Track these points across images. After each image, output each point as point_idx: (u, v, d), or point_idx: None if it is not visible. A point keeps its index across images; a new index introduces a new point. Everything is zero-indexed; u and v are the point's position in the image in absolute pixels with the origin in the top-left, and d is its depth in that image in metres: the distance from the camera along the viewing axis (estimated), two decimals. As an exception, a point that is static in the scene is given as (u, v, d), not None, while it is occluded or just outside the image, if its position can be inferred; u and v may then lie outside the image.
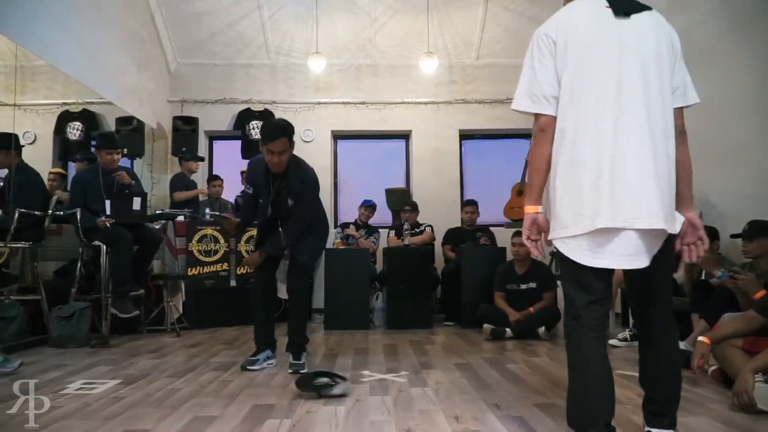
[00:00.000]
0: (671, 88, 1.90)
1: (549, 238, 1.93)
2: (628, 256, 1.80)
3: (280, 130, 3.44)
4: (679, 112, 1.93)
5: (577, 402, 1.89)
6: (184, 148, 7.16)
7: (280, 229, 3.64)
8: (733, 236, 3.81)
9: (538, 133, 1.92)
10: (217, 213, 6.14)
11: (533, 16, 7.35)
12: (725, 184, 4.47)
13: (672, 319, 1.97)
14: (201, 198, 6.96)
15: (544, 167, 1.91)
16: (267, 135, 3.42)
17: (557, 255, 1.94)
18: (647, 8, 1.92)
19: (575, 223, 1.82)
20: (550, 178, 1.92)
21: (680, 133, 1.92)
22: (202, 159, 7.00)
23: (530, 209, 1.96)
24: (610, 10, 1.87)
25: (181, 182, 6.57)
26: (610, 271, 1.85)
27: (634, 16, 1.88)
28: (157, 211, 5.85)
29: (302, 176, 3.64)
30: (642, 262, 1.81)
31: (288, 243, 3.66)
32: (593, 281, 1.85)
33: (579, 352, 1.89)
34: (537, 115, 1.91)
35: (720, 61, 4.57)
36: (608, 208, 1.76)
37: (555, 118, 1.88)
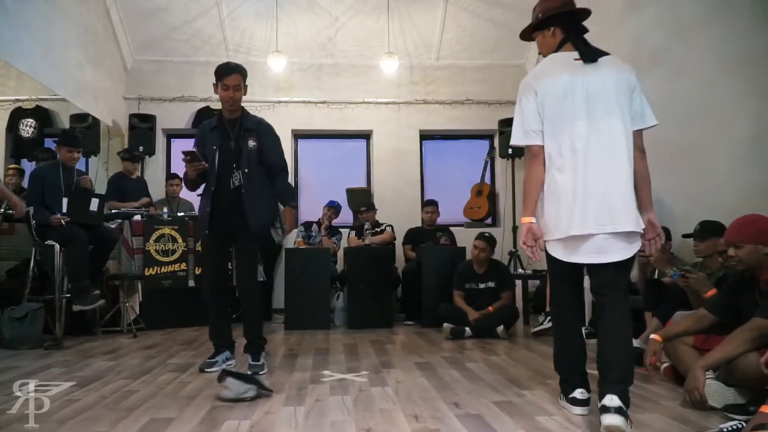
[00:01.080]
0: (630, 116, 2.39)
1: (546, 239, 2.42)
2: (593, 254, 2.34)
3: (235, 66, 3.56)
4: (638, 134, 2.42)
5: (561, 360, 2.61)
6: (141, 147, 7.00)
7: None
8: (685, 236, 3.92)
9: (531, 159, 2.45)
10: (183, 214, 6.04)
11: (492, 18, 7.46)
12: (677, 185, 4.59)
13: (625, 299, 2.44)
14: (159, 197, 6.82)
15: (538, 185, 2.42)
16: (222, 71, 3.51)
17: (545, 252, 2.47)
18: (607, 54, 2.45)
19: (556, 230, 2.37)
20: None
21: (640, 151, 2.42)
22: (137, 159, 6.62)
23: (526, 220, 2.43)
24: (577, 62, 2.42)
25: (116, 186, 6.13)
26: (581, 266, 2.44)
27: (599, 60, 2.41)
28: (113, 210, 5.69)
29: (256, 118, 3.74)
30: (606, 258, 2.33)
31: (288, 188, 3.72)
32: (569, 274, 2.49)
33: (558, 326, 2.65)
34: (529, 146, 2.45)
35: (668, 64, 4.70)
36: (577, 220, 2.31)
37: (543, 146, 2.42)
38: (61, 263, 4.62)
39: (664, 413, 2.45)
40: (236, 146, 3.56)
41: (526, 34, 2.69)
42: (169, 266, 5.64)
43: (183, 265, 5.67)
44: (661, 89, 4.79)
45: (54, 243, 4.61)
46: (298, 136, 7.93)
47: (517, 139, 2.48)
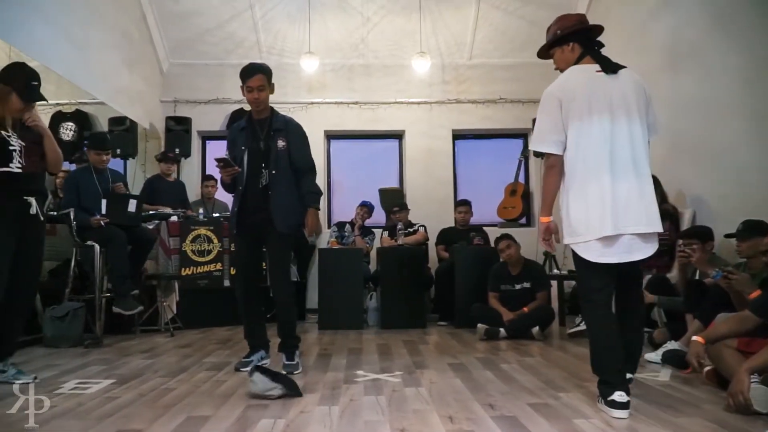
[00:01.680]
0: (647, 125, 2.63)
1: (565, 242, 2.64)
2: (623, 253, 2.52)
3: (257, 67, 3.60)
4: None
5: (597, 357, 2.59)
6: (177, 149, 7.12)
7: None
8: (727, 236, 3.81)
9: (549, 168, 2.65)
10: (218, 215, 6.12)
11: (524, 16, 7.38)
12: (716, 184, 4.49)
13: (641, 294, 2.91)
14: (194, 198, 6.94)
15: (555, 191, 2.65)
16: (245, 73, 3.55)
17: (573, 255, 2.65)
18: (624, 67, 2.66)
19: (587, 232, 2.52)
20: (561, 198, 2.63)
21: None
22: (175, 160, 6.69)
23: (545, 219, 2.69)
24: (599, 74, 2.60)
25: (149, 189, 6.17)
26: (613, 265, 2.55)
27: (619, 72, 2.61)
28: (150, 212, 5.80)
29: (285, 117, 3.75)
30: (635, 256, 2.54)
31: (314, 189, 3.67)
32: (602, 274, 2.56)
33: (594, 326, 2.63)
34: (548, 154, 2.63)
35: (706, 60, 4.59)
36: (609, 222, 2.47)
37: (561, 156, 2.60)
38: (101, 263, 4.73)
39: (705, 417, 2.39)
40: (265, 146, 3.59)
41: (543, 52, 2.90)
42: (205, 266, 5.73)
43: (218, 265, 5.75)
44: (698, 86, 4.69)
45: (94, 243, 4.72)
46: (330, 136, 7.97)
47: (538, 146, 2.67)
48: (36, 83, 3.29)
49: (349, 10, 7.33)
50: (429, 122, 7.78)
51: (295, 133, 3.70)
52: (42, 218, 3.34)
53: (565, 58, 2.77)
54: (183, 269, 5.62)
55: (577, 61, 2.71)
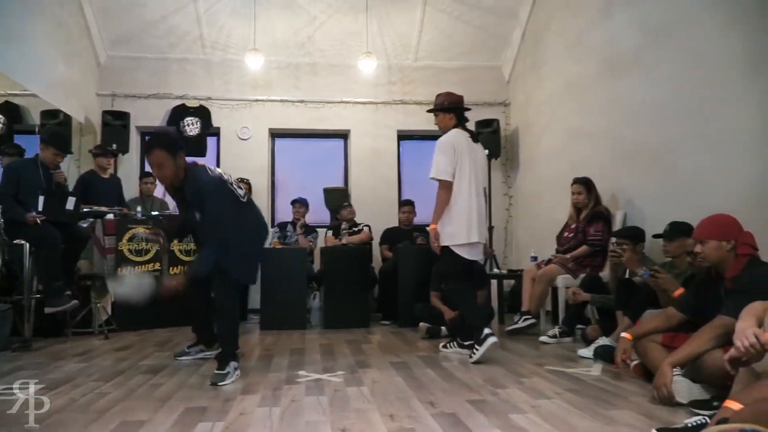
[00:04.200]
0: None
1: (449, 244, 3.93)
2: (478, 255, 4.08)
3: (153, 140, 3.36)
4: None
5: (472, 314, 3.92)
6: (114, 144, 6.90)
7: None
8: (655, 236, 3.99)
9: (445, 189, 3.94)
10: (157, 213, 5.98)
11: (469, 21, 7.52)
12: (649, 187, 4.68)
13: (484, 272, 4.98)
14: (133, 195, 6.75)
15: (446, 206, 3.94)
16: (145, 148, 3.45)
17: (447, 251, 3.97)
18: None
19: (466, 238, 3.92)
20: (446, 212, 3.96)
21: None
22: (113, 154, 6.40)
23: (435, 226, 3.98)
24: (469, 139, 4.08)
25: (81, 187, 5.89)
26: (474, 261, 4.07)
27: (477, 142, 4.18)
28: (85, 209, 5.60)
29: (195, 186, 3.38)
30: (481, 258, 4.20)
31: (203, 266, 3.39)
32: (467, 264, 3.99)
33: (466, 296, 3.99)
34: (444, 180, 3.93)
35: (642, 67, 4.78)
36: (475, 232, 3.95)
37: (452, 182, 3.93)
38: (31, 263, 4.54)
39: (633, 409, 2.51)
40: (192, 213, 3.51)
41: (432, 110, 4.23)
42: (143, 266, 5.57)
43: (157, 265, 5.61)
44: (635, 92, 4.88)
45: (24, 242, 4.52)
46: (275, 135, 7.90)
47: (439, 174, 3.93)
48: None
49: (296, 8, 7.29)
50: (374, 122, 7.82)
51: (206, 207, 3.39)
52: None
53: (446, 122, 4.14)
54: (119, 269, 5.46)
55: (454, 127, 4.09)
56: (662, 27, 4.50)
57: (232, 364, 3.33)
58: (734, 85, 3.73)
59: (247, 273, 3.68)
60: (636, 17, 4.89)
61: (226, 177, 3.61)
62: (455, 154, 3.93)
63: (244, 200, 3.69)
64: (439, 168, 3.92)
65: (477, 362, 3.65)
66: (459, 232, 3.91)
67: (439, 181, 3.93)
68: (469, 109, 4.26)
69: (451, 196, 3.92)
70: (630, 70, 4.96)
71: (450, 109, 4.14)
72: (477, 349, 3.69)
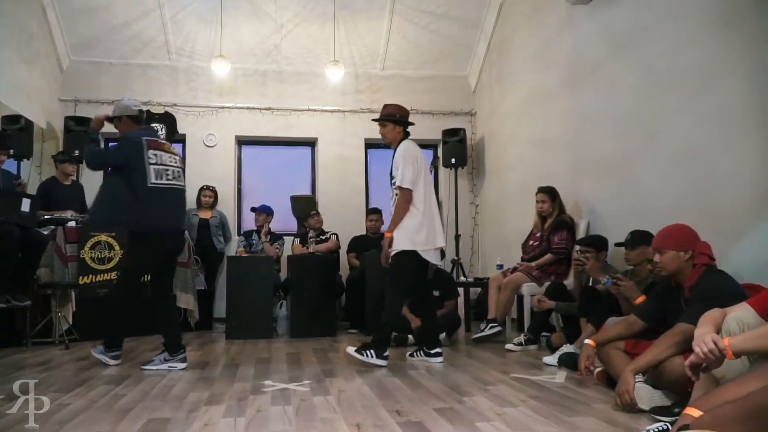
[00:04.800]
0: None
1: (405, 248, 3.98)
2: (439, 259, 4.19)
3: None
4: None
5: (384, 331, 4.07)
6: (77, 151, 6.73)
7: None
8: (617, 245, 4.06)
9: (406, 200, 4.00)
10: None
11: (436, 30, 7.58)
12: (611, 196, 4.76)
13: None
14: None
15: (404, 216, 4.00)
16: None
17: (402, 256, 4.02)
18: None
19: (432, 244, 4.05)
20: (408, 219, 4.01)
21: None
22: (77, 161, 6.24)
23: (390, 234, 4.02)
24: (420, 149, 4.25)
25: (46, 192, 5.75)
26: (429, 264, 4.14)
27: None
28: (46, 216, 5.45)
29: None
30: (439, 262, 4.26)
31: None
32: (421, 275, 4.15)
33: (398, 304, 4.19)
34: (409, 190, 3.99)
35: (604, 78, 4.89)
36: (441, 237, 4.12)
37: (412, 192, 4.02)
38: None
39: (595, 416, 2.53)
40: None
41: (380, 120, 4.25)
42: (105, 274, 5.45)
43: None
44: (597, 102, 4.98)
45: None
46: (241, 142, 7.83)
47: (407, 184, 3.97)
48: None
49: (263, 15, 7.25)
50: (342, 130, 7.81)
51: None
52: None
53: (394, 134, 4.20)
54: (81, 277, 5.32)
55: (402, 140, 4.18)
56: (624, 38, 4.60)
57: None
58: (692, 97, 3.84)
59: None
60: (597, 31, 5.00)
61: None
62: (418, 165, 4.03)
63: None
64: (405, 177, 3.96)
65: (363, 364, 3.89)
66: (429, 237, 4.00)
67: (404, 189, 3.97)
68: (413, 124, 4.30)
69: (417, 204, 4.00)
70: (592, 80, 5.06)
71: (400, 122, 4.20)
72: (369, 356, 3.90)
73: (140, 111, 4.26)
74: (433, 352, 4.12)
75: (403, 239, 3.96)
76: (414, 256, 3.97)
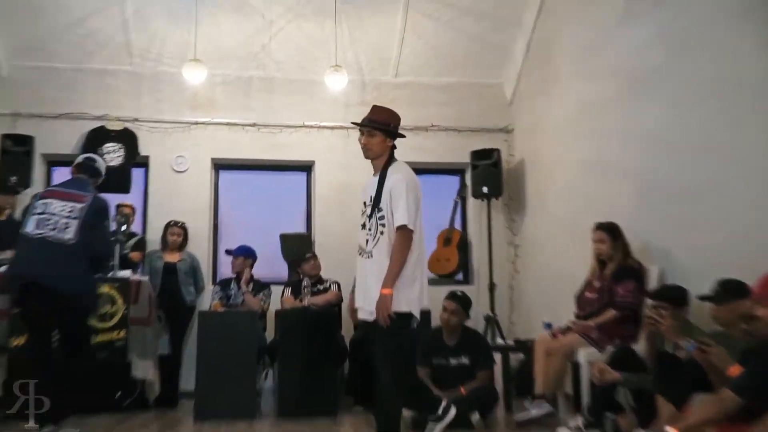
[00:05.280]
0: None
1: (406, 310, 3.71)
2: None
3: None
4: None
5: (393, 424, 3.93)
6: (13, 177, 6.73)
7: None
8: (701, 298, 3.92)
9: (408, 244, 3.74)
10: None
11: (461, 28, 7.61)
12: (689, 235, 4.65)
13: None
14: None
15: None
16: None
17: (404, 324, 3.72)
18: None
19: (425, 302, 3.89)
20: (409, 270, 3.76)
21: None
22: (14, 192, 6.33)
23: (389, 291, 3.64)
24: None
25: None
26: None
27: None
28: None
29: None
30: None
31: None
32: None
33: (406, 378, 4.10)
34: (412, 232, 3.76)
35: (675, 85, 4.82)
36: (426, 296, 3.87)
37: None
38: None
39: None
40: None
41: (367, 126, 4.10)
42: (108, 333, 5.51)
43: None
44: (667, 116, 4.91)
45: None
46: (219, 166, 7.85)
47: (411, 224, 3.72)
48: None
49: (248, 10, 7.31)
50: (345, 151, 7.75)
51: None
52: None
53: (383, 147, 4.04)
54: (12, 338, 5.23)
55: (390, 156, 4.09)
56: (699, 36, 4.56)
57: None
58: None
59: None
60: (665, 25, 4.95)
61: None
62: (418, 199, 3.89)
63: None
64: (411, 215, 3.74)
65: None
66: (422, 293, 3.81)
67: (407, 230, 3.73)
68: (404, 136, 4.18)
69: (413, 248, 3.78)
70: (659, 88, 5.01)
71: (394, 134, 4.07)
72: None
73: (86, 158, 5.00)
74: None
75: (399, 298, 3.67)
76: (405, 319, 3.73)
